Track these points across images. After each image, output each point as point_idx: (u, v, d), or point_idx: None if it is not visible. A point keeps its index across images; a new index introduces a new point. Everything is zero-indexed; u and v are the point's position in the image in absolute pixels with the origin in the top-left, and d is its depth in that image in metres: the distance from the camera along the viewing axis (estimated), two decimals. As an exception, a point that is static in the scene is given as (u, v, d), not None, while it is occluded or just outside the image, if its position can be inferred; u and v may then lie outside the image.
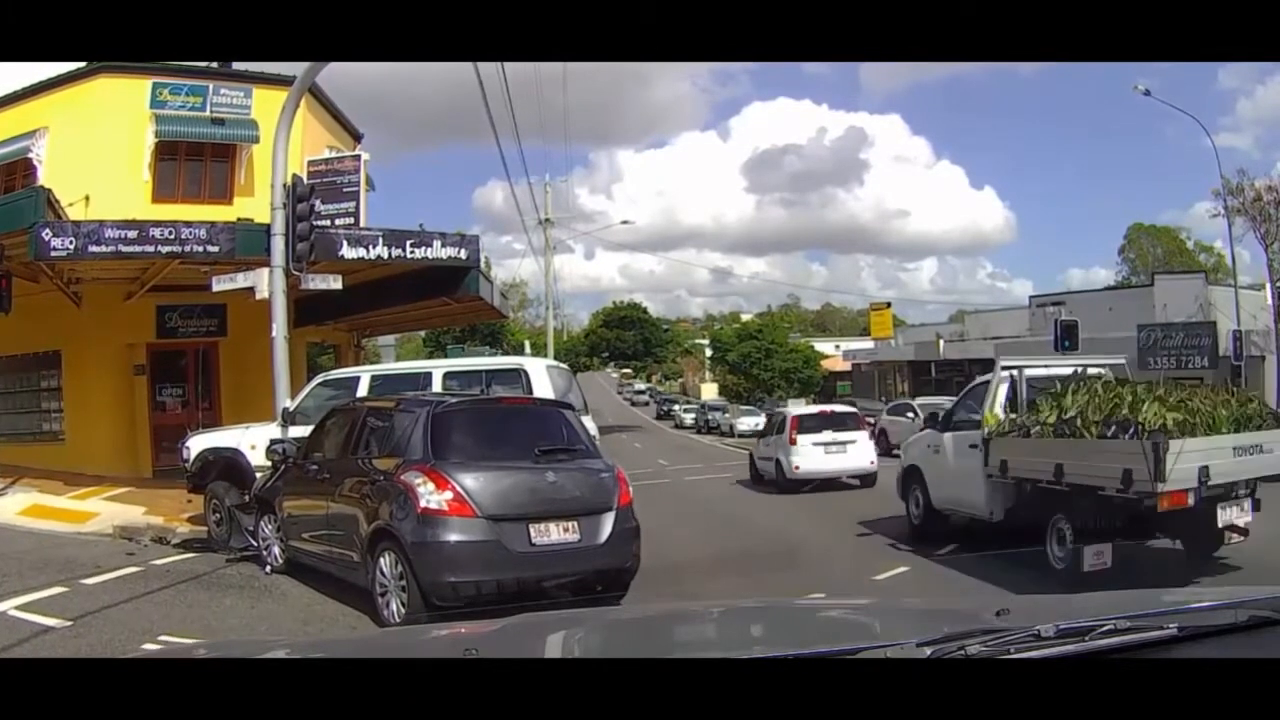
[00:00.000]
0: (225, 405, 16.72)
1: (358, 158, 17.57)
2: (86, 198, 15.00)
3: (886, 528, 11.22)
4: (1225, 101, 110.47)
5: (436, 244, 13.26)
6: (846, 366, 53.96)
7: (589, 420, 9.30)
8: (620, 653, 2.20)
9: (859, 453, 17.16)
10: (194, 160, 17.37)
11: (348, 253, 12.57)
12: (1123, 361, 10.12)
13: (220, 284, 11.76)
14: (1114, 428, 7.53)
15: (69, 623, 6.41)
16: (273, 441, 9.26)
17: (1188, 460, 6.96)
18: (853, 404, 36.57)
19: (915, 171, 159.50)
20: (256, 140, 16.55)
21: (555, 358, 27.04)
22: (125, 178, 16.12)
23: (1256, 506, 7.80)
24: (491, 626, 2.52)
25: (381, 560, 6.61)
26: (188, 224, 12.17)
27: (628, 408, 71.12)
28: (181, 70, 16.52)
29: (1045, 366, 10.00)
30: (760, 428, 23.52)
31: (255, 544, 8.81)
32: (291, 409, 10.46)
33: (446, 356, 32.71)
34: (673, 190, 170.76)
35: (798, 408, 22.16)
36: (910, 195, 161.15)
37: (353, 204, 16.41)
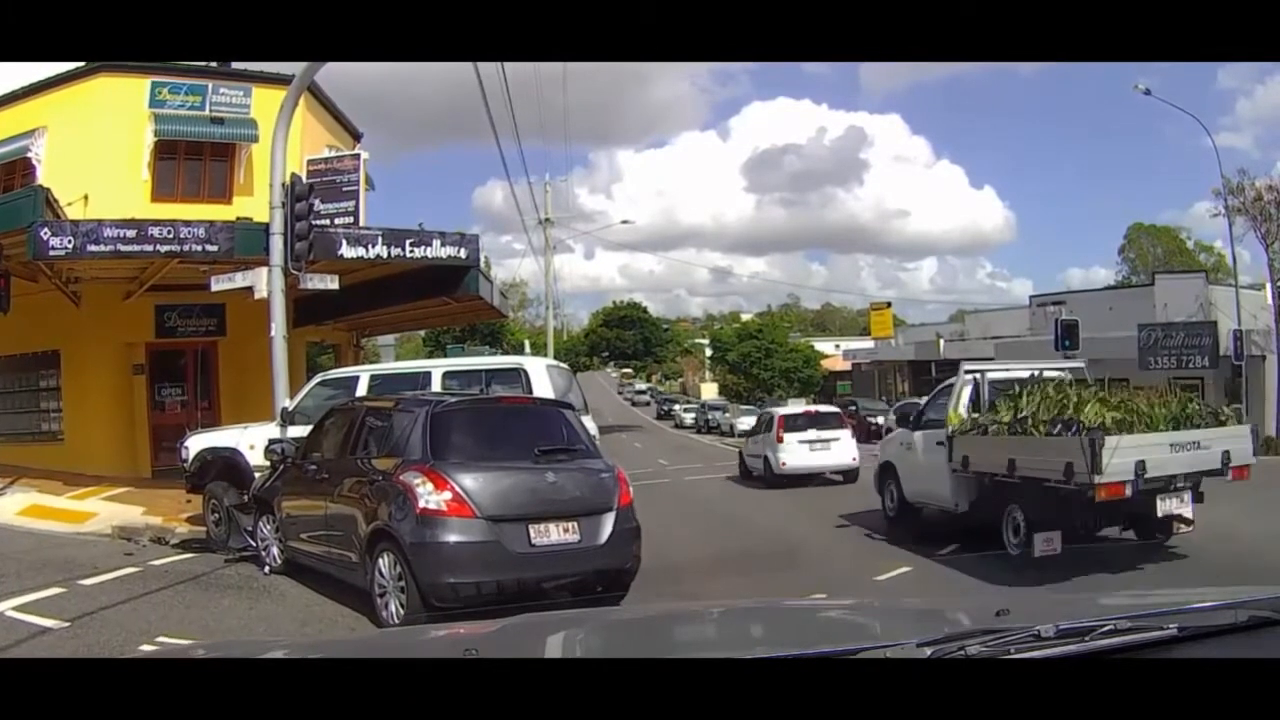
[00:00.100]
0: (224, 405, 16.72)
1: (357, 157, 17.56)
2: (85, 197, 15.00)
3: (865, 520, 11.92)
4: (1225, 101, 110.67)
5: (436, 243, 13.24)
6: (847, 366, 53.94)
7: (589, 420, 9.30)
8: (620, 653, 2.20)
9: (841, 450, 18.01)
10: (193, 159, 17.36)
11: (347, 252, 12.55)
12: (1082, 365, 10.78)
13: (219, 283, 11.75)
14: (1059, 426, 8.26)
15: (67, 623, 6.40)
16: (271, 441, 9.24)
17: (1124, 455, 7.65)
18: (854, 403, 36.74)
19: (915, 171, 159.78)
20: (256, 139, 16.54)
21: (555, 357, 27.04)
22: (124, 177, 16.12)
23: (1199, 499, 8.47)
24: (491, 627, 2.52)
25: (380, 561, 6.60)
26: (186, 223, 12.16)
27: (628, 407, 71.11)
28: (181, 69, 16.51)
29: (1006, 370, 10.77)
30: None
31: (254, 544, 8.80)
32: (290, 409, 10.45)
33: (446, 356, 32.68)
34: (672, 190, 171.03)
35: (784, 408, 22.82)
36: (910, 195, 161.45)
37: (352, 203, 16.41)
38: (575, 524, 6.72)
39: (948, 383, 11.05)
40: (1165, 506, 8.19)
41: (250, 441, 10.28)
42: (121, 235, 11.69)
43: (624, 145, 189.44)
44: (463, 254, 13.53)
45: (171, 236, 11.85)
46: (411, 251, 13.04)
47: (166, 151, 16.82)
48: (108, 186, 15.49)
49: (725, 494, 18.34)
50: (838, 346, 63.75)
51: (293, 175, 11.75)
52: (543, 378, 10.49)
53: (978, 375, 10.21)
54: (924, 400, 12.56)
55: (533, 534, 6.56)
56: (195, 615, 7.01)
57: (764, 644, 2.37)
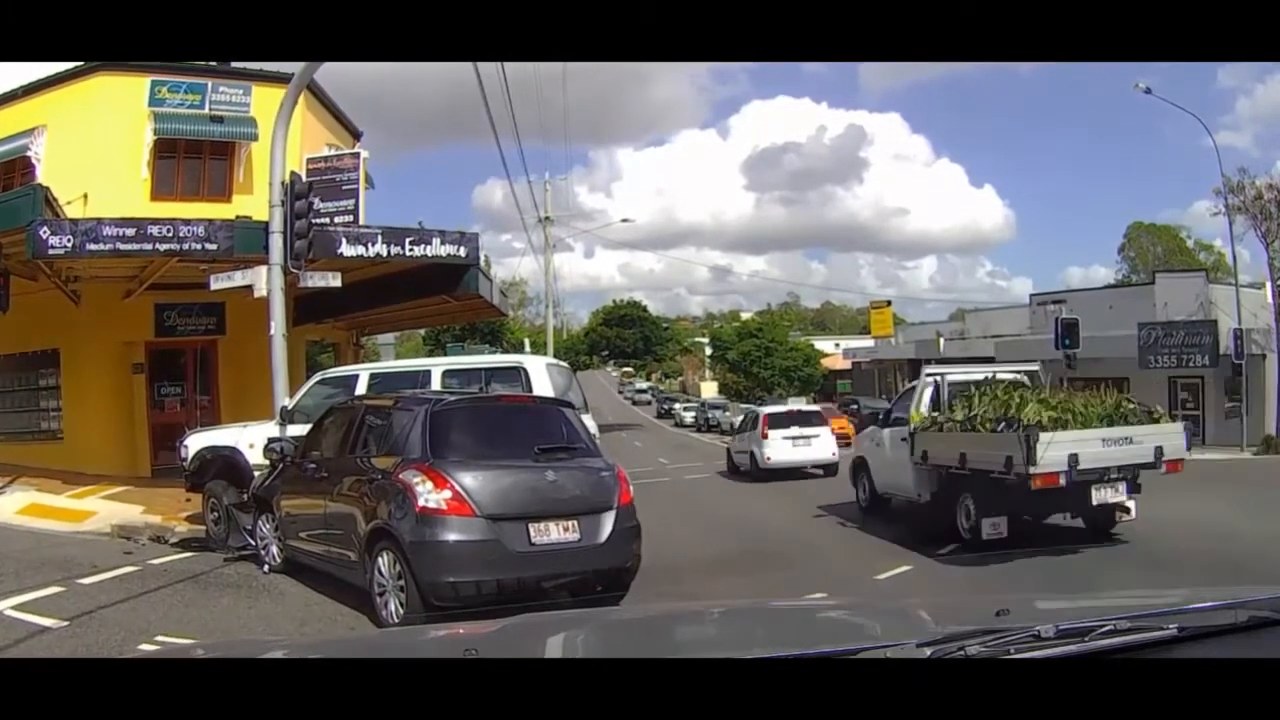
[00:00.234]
0: (224, 404, 16.71)
1: (357, 155, 17.53)
2: (85, 196, 14.99)
3: (841, 510, 13.00)
4: (1225, 100, 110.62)
5: (436, 242, 13.22)
6: (846, 365, 53.91)
7: (589, 419, 9.29)
8: (620, 653, 2.20)
9: (822, 445, 19.29)
10: (193, 158, 17.34)
11: (347, 250, 12.54)
12: (1037, 368, 11.65)
13: (218, 282, 11.74)
14: (1002, 423, 9.14)
15: (65, 623, 6.39)
16: (271, 440, 9.24)
17: (1058, 449, 8.53)
18: (855, 401, 36.71)
19: (915, 170, 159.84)
20: (255, 138, 16.53)
21: (555, 356, 27.04)
22: (123, 176, 16.10)
23: (1135, 490, 9.27)
24: (491, 626, 2.52)
25: (380, 560, 6.60)
26: (186, 222, 12.15)
27: (628, 406, 71.08)
28: (180, 68, 16.48)
29: (965, 372, 11.72)
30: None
31: (253, 543, 8.80)
32: (290, 407, 10.45)
33: (446, 354, 32.68)
34: (672, 188, 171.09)
35: (768, 407, 23.67)
36: (910, 193, 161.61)
37: (352, 202, 16.38)
38: (575, 523, 6.72)
39: (912, 384, 12.10)
40: (1100, 496, 9.02)
41: (250, 440, 10.27)
42: (121, 234, 11.67)
43: (624, 144, 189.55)
44: (462, 252, 13.51)
45: (171, 235, 11.84)
46: (411, 250, 13.03)
47: (166, 150, 16.80)
48: (107, 185, 15.48)
49: (721, 490, 18.61)
50: (838, 345, 63.71)
51: (292, 174, 11.74)
52: (542, 376, 10.48)
53: (938, 378, 11.22)
54: (892, 400, 13.50)
55: (532, 533, 6.56)
56: (194, 614, 7.00)
57: (764, 644, 2.37)
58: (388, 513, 6.61)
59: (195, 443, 10.85)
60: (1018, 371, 11.28)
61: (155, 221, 12.16)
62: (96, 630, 6.30)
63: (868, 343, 49.48)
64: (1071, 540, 9.57)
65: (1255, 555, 8.39)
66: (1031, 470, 8.48)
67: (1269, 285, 25.43)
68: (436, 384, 10.42)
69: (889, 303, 47.81)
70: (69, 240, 11.45)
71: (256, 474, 9.47)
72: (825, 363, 60.57)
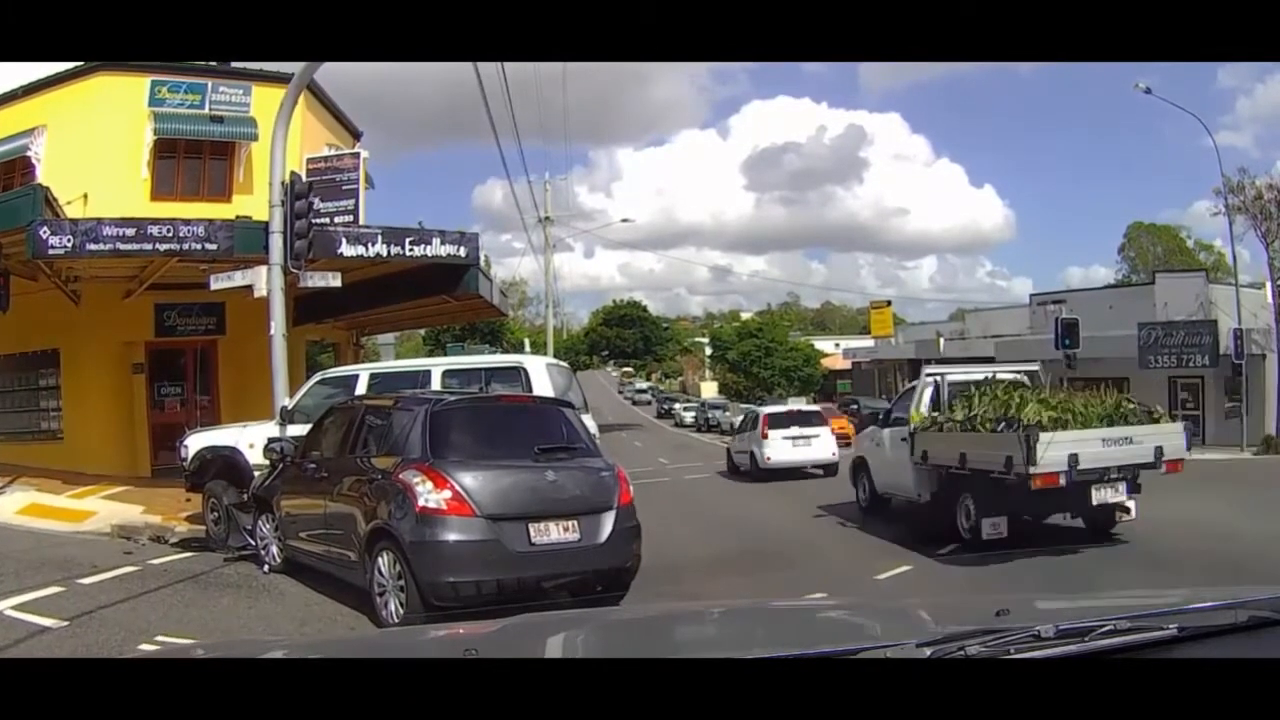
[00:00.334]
0: (224, 404, 16.71)
1: (357, 155, 17.53)
2: (85, 196, 14.98)
3: (841, 510, 13.03)
4: (1225, 100, 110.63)
5: (436, 242, 13.22)
6: (847, 365, 53.91)
7: (589, 419, 9.29)
8: (620, 653, 2.20)
9: (822, 445, 19.32)
10: (193, 158, 17.34)
11: (347, 250, 12.54)
12: (1037, 369, 11.64)
13: (218, 282, 11.73)
14: (1002, 423, 9.15)
15: (65, 623, 6.39)
16: (271, 440, 9.24)
17: (1058, 449, 8.53)
18: (855, 402, 36.68)
19: (915, 170, 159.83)
20: (255, 138, 16.53)
21: (555, 356, 27.04)
22: (124, 175, 16.10)
23: (1135, 490, 9.28)
24: (491, 626, 2.52)
25: (380, 560, 6.60)
26: (186, 222, 12.14)
27: (628, 406, 71.06)
28: (180, 68, 16.47)
29: (964, 373, 11.69)
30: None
31: (253, 543, 8.80)
32: (290, 407, 10.45)
33: (446, 354, 32.69)
34: (672, 188, 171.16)
35: (768, 407, 23.70)
36: (910, 193, 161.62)
37: (352, 202, 16.38)
38: (575, 523, 6.71)
39: (912, 384, 12.15)
40: (1100, 496, 9.03)
41: (250, 440, 10.27)
42: (121, 234, 11.67)
43: (624, 144, 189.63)
44: (462, 252, 13.51)
45: (171, 235, 11.84)
46: (411, 250, 13.03)
47: (166, 150, 16.80)
48: (107, 185, 15.47)
49: (721, 490, 18.63)
50: (838, 345, 63.71)
51: (292, 174, 11.74)
52: (542, 376, 10.48)
53: (938, 378, 11.25)
54: (893, 400, 13.56)
55: (532, 533, 6.55)
56: (194, 614, 7.00)
57: (764, 644, 2.37)
58: (388, 513, 6.61)
59: (195, 443, 10.85)
60: (1018, 371, 11.31)
61: (155, 221, 12.16)
62: (96, 630, 6.30)
63: (868, 343, 49.47)
64: (1072, 540, 9.57)
65: (1255, 555, 8.39)
66: (1031, 470, 8.50)
67: (1269, 285, 25.42)
68: (436, 384, 10.42)
69: (889, 303, 47.81)
70: (69, 240, 11.45)
71: (256, 474, 9.46)
72: (825, 363, 60.56)
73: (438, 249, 13.20)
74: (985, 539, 8.96)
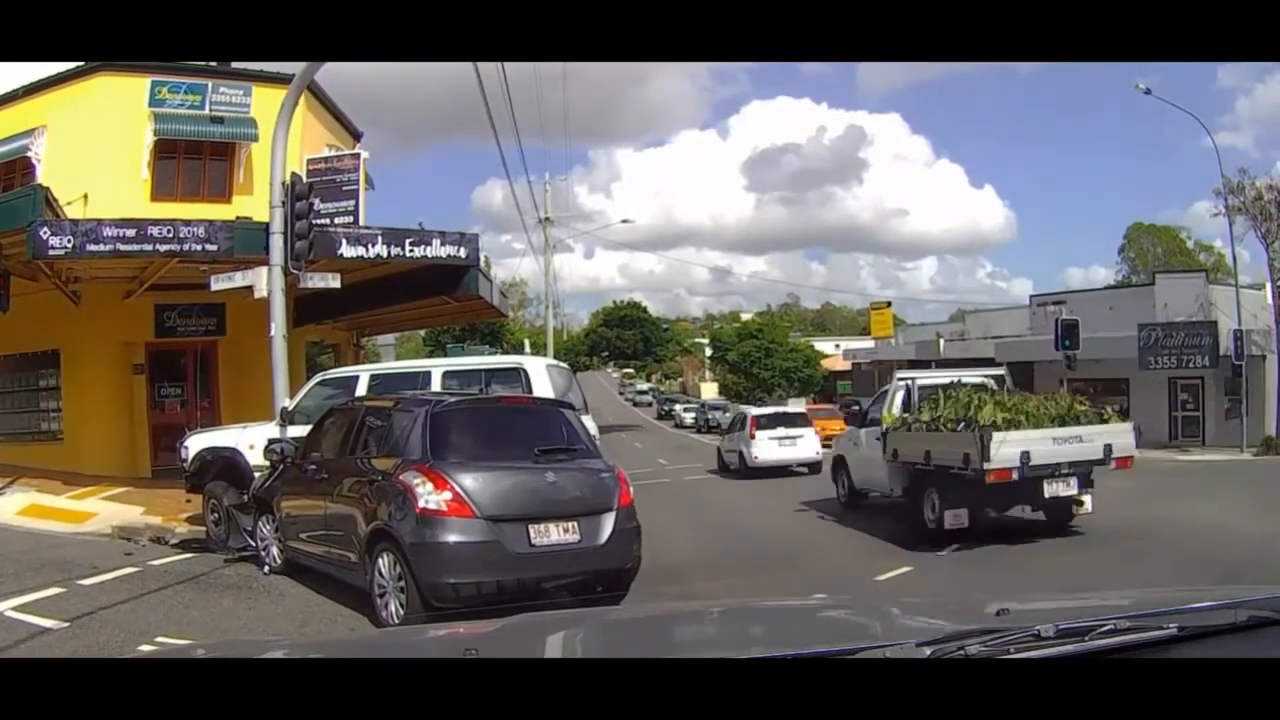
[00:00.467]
0: (224, 404, 16.71)
1: (357, 156, 17.53)
2: (85, 196, 14.99)
3: (823, 506, 13.83)
4: (1225, 100, 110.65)
5: (436, 242, 13.23)
6: (847, 366, 53.84)
7: (589, 420, 9.29)
8: (620, 653, 2.20)
9: (806, 445, 20.38)
10: (193, 158, 17.34)
11: (347, 251, 12.55)
12: (1002, 373, 12.46)
13: (219, 283, 11.74)
14: (961, 424, 9.94)
15: (66, 624, 6.40)
16: (271, 441, 9.24)
17: (1010, 447, 9.32)
18: (856, 402, 36.60)
19: (914, 170, 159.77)
20: (255, 138, 16.53)
21: (555, 357, 27.04)
22: (124, 176, 16.10)
23: (1088, 484, 10.00)
24: (491, 626, 2.52)
25: (380, 561, 6.60)
26: (186, 223, 12.15)
27: (629, 407, 71.06)
28: (180, 68, 16.48)
29: (933, 377, 12.59)
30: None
31: (253, 544, 8.80)
32: (290, 408, 10.45)
33: (446, 355, 32.68)
34: (672, 189, 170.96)
35: (755, 409, 24.47)
36: (910, 194, 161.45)
37: (352, 202, 16.38)
38: (575, 524, 6.71)
39: (885, 387, 13.07)
40: (1052, 490, 9.76)
41: (250, 441, 10.27)
42: (121, 235, 11.68)
43: (623, 144, 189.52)
44: (462, 253, 13.52)
45: (171, 236, 11.85)
46: (411, 251, 13.04)
47: (166, 151, 16.80)
48: (107, 186, 15.48)
49: (718, 490, 18.86)
50: (838, 346, 63.65)
51: (293, 174, 11.74)
52: (542, 377, 10.48)
53: (909, 381, 12.21)
54: (869, 402, 14.25)
55: (533, 534, 6.55)
56: (195, 615, 7.00)
57: (764, 644, 2.37)
58: (388, 514, 6.61)
59: (195, 444, 10.85)
60: (984, 376, 12.05)
61: (155, 222, 12.17)
62: (97, 631, 6.30)
63: (868, 344, 49.42)
64: (1062, 536, 9.97)
65: (1255, 555, 8.41)
66: (986, 466, 9.23)
67: (1269, 286, 25.44)
68: (437, 385, 10.42)
69: (889, 304, 47.72)
70: (69, 241, 11.45)
71: (257, 475, 9.46)
72: (825, 364, 60.47)
73: (438, 250, 13.20)
74: (948, 529, 9.69)
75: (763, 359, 58.67)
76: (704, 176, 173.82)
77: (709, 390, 67.49)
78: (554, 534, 6.63)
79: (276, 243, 11.11)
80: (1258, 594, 1.94)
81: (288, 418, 10.23)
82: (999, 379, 11.96)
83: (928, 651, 1.62)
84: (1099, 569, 8.44)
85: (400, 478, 6.61)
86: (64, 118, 16.02)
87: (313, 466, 8.10)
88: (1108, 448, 9.79)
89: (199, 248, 11.94)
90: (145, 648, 5.89)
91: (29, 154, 16.06)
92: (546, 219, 37.03)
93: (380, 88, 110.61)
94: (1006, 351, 28.97)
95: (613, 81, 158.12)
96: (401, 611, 6.34)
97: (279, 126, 11.34)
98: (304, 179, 12.05)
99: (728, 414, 43.81)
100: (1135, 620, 1.76)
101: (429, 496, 6.40)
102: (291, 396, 10.89)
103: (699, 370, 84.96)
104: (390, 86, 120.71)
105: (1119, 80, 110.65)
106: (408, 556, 6.34)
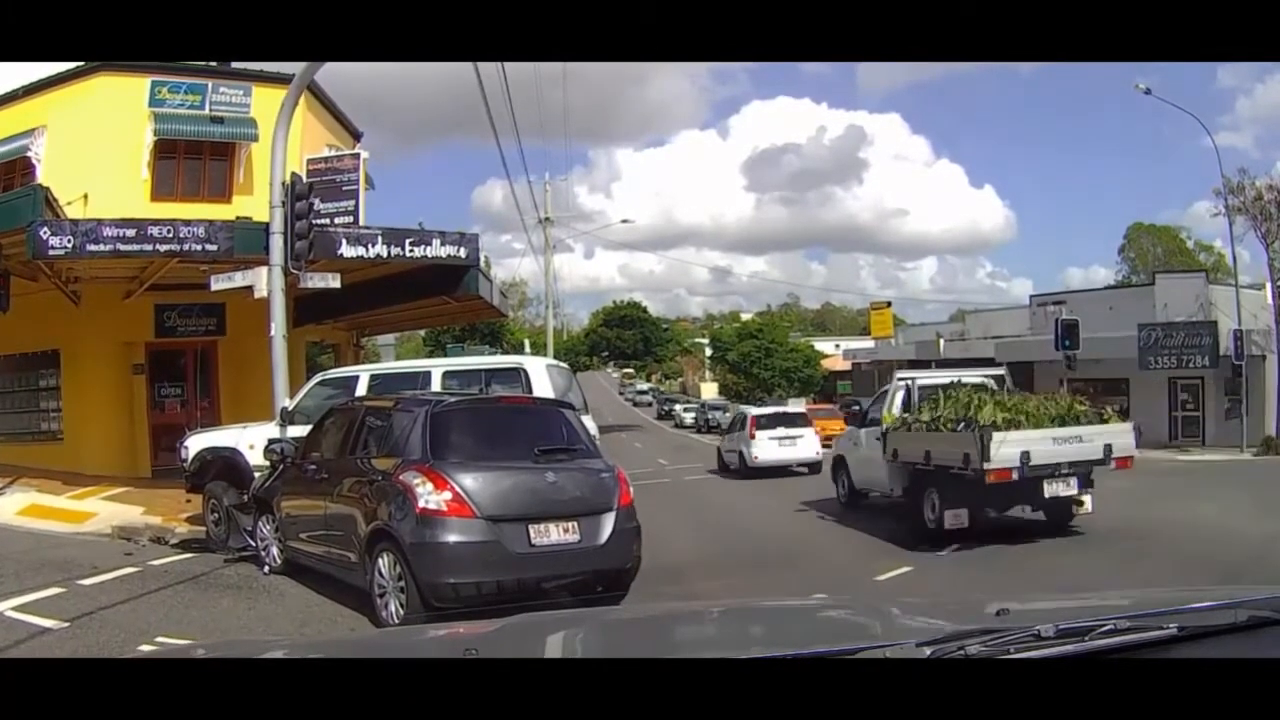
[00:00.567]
0: (224, 404, 16.71)
1: (357, 156, 17.53)
2: (85, 196, 14.98)
3: (823, 506, 13.86)
4: (1225, 101, 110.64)
5: (436, 242, 13.23)
6: (847, 366, 53.83)
7: (589, 420, 9.29)
8: (620, 653, 2.20)
9: (806, 445, 20.43)
10: (193, 158, 17.34)
11: (347, 251, 12.55)
12: (1002, 373, 12.48)
13: (219, 283, 11.74)
14: (961, 424, 9.94)
15: (66, 624, 6.39)
16: (271, 441, 9.24)
17: (1010, 447, 9.33)
18: (856, 402, 36.59)
19: (914, 170, 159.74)
20: (255, 138, 16.53)
21: (555, 357, 27.04)
22: (124, 176, 16.10)
23: (1088, 484, 9.99)
24: (491, 626, 2.51)
25: (380, 561, 6.60)
26: (186, 223, 12.15)
27: (629, 408, 71.05)
28: (180, 68, 16.48)
29: (932, 377, 12.62)
30: None
31: (253, 544, 8.80)
32: (290, 408, 10.45)
33: (446, 355, 32.68)
34: (672, 189, 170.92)
35: (755, 409, 24.57)
36: (910, 194, 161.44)
37: (352, 202, 16.38)
38: (575, 524, 6.71)
39: (885, 387, 13.08)
40: (1052, 489, 9.77)
41: (250, 441, 10.27)
42: (121, 235, 11.68)
43: (623, 144, 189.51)
44: (462, 253, 13.52)
45: (171, 236, 11.85)
46: (411, 251, 13.03)
47: (166, 151, 16.80)
48: (107, 186, 15.48)
49: (717, 490, 18.88)
50: (838, 346, 63.62)
51: (293, 174, 11.74)
52: (542, 377, 10.48)
53: (909, 381, 12.22)
54: (869, 402, 14.25)
55: (533, 534, 6.55)
56: (195, 615, 7.00)
57: (764, 644, 2.37)
58: (388, 514, 6.61)
59: (195, 444, 10.85)
60: (984, 376, 12.07)
61: (155, 222, 12.17)
62: (97, 631, 6.30)
63: (868, 344, 49.39)
64: (1062, 536, 9.98)
65: (1255, 555, 8.41)
66: (986, 466, 9.25)
67: (1269, 286, 25.44)
68: (437, 385, 10.42)
69: (889, 304, 47.71)
70: (69, 241, 11.45)
71: (257, 475, 9.46)
72: (825, 364, 60.45)
73: (438, 250, 13.20)
74: (948, 529, 9.71)
75: (763, 359, 58.66)
76: (704, 176, 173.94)
77: (709, 390, 67.49)
78: (554, 534, 6.63)
79: (276, 243, 11.11)
80: (1258, 594, 1.94)
81: (288, 418, 10.23)
82: (999, 379, 11.99)
83: (928, 651, 1.62)
84: (1099, 569, 8.44)
85: (400, 478, 6.61)
86: (64, 118, 16.02)
87: (313, 466, 8.10)
88: (1108, 448, 9.81)
89: (199, 248, 11.93)
90: (145, 648, 5.89)
91: (29, 154, 16.05)
92: (546, 219, 37.04)
93: (380, 88, 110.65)
94: (1006, 351, 28.95)
95: (613, 81, 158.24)
96: (401, 611, 6.34)
97: (279, 126, 11.34)
98: (304, 179, 12.05)
99: (728, 414, 43.82)
100: (1135, 620, 1.75)
101: (429, 496, 6.40)
102: (291, 396, 10.89)
103: (699, 370, 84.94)
104: (390, 86, 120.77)
105: (1119, 80, 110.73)
106: (408, 556, 6.34)
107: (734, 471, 20.97)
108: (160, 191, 16.68)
